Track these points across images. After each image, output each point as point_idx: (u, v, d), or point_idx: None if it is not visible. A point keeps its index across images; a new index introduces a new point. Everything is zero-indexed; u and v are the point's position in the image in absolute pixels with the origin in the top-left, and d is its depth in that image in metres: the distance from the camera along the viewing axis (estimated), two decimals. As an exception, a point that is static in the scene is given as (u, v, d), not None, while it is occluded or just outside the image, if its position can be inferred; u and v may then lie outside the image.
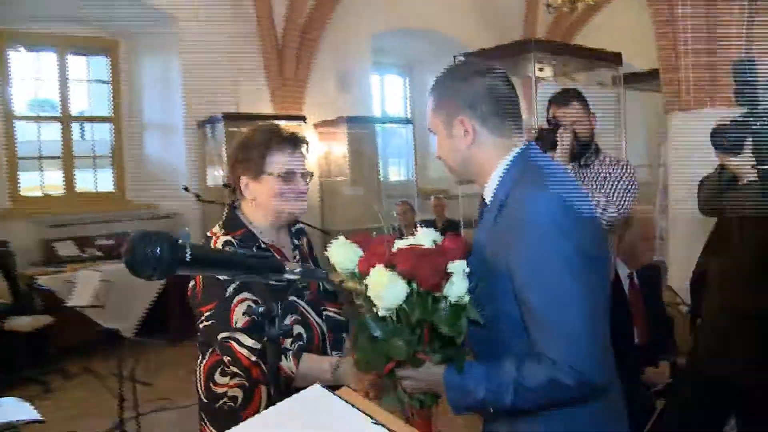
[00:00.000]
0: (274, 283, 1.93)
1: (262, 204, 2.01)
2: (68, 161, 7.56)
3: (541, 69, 4.78)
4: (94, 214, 7.24)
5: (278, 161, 1.97)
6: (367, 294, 1.43)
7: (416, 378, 1.52)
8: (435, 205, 8.34)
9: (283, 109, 8.27)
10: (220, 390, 1.98)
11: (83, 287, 5.41)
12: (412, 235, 1.54)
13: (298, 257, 2.11)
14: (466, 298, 1.44)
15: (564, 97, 3.17)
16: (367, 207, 9.03)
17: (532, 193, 1.46)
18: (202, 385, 2.05)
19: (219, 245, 1.95)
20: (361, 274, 1.48)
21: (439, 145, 1.66)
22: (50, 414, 4.80)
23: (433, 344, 1.48)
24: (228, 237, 1.98)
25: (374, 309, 1.42)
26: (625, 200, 2.99)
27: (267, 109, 8.24)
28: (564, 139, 3.01)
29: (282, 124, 6.83)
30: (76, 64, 7.88)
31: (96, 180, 7.90)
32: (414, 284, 1.42)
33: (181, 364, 5.81)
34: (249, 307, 1.82)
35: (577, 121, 3.10)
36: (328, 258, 1.58)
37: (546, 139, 3.06)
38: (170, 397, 5.03)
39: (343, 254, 1.54)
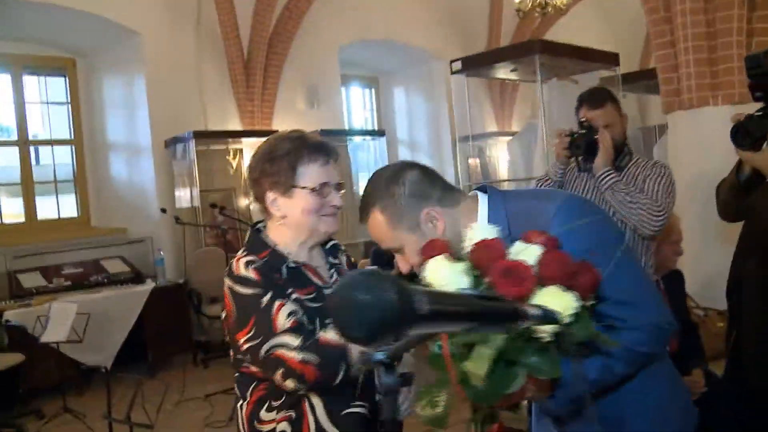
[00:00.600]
0: (309, 304, 1.76)
1: (293, 222, 1.80)
2: (28, 187, 7.12)
3: (534, 71, 4.64)
4: (58, 242, 6.83)
5: (311, 173, 1.77)
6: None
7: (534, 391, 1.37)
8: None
9: (252, 125, 7.99)
10: (267, 428, 1.77)
11: (57, 321, 5.06)
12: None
13: (336, 276, 1.89)
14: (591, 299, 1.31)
15: (597, 99, 2.98)
16: (343, 222, 8.81)
17: (540, 206, 1.48)
18: (245, 427, 1.82)
19: (242, 265, 1.74)
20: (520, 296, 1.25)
21: (411, 254, 1.52)
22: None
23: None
24: (251, 257, 1.77)
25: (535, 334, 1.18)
26: (668, 203, 2.81)
27: (236, 125, 7.95)
28: (606, 141, 2.83)
29: (253, 140, 6.62)
30: (32, 84, 7.46)
31: (59, 206, 7.48)
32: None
33: (166, 395, 5.46)
34: (294, 311, 1.68)
35: (610, 124, 2.92)
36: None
37: (580, 143, 2.89)
38: (160, 434, 4.71)
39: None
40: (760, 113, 2.61)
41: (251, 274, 1.73)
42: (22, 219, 7.15)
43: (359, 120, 10.92)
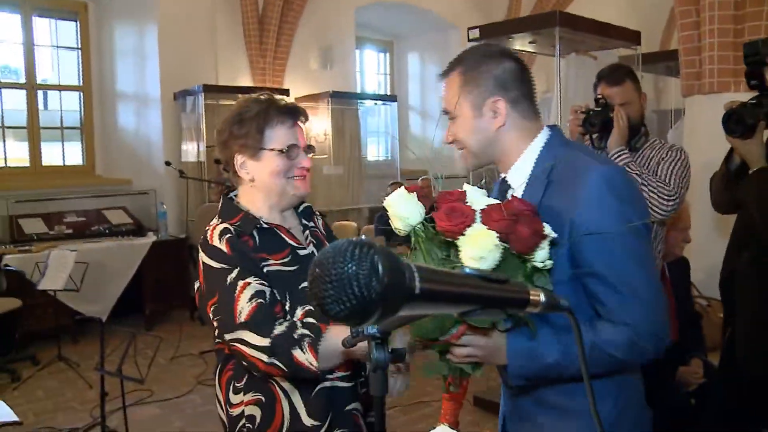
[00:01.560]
0: (283, 269, 1.70)
1: (262, 185, 1.75)
2: (34, 132, 7.06)
3: (552, 45, 4.51)
4: (62, 189, 6.79)
5: (279, 135, 1.72)
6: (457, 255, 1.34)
7: (480, 346, 1.41)
8: (423, 187, 8.02)
9: (263, 82, 7.88)
10: (235, 411, 1.71)
11: (56, 269, 5.04)
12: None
13: (309, 238, 1.83)
14: (549, 264, 1.38)
15: (616, 76, 2.87)
16: (348, 187, 8.75)
17: (589, 164, 1.46)
18: (223, 405, 1.77)
19: (216, 235, 1.68)
20: (444, 233, 1.36)
21: (460, 126, 1.57)
22: (22, 407, 4.48)
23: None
24: (225, 225, 1.71)
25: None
26: (681, 187, 2.73)
27: (247, 81, 7.84)
28: (621, 119, 2.74)
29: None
30: (42, 27, 7.35)
31: (64, 153, 7.42)
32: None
33: (160, 351, 5.45)
34: (258, 292, 1.61)
35: (628, 102, 2.82)
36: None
37: (595, 120, 2.80)
38: (151, 389, 4.71)
39: (409, 208, 1.44)
40: (754, 101, 2.58)
41: (223, 246, 1.66)
42: (27, 164, 7.09)
43: (372, 84, 10.78)
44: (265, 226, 1.73)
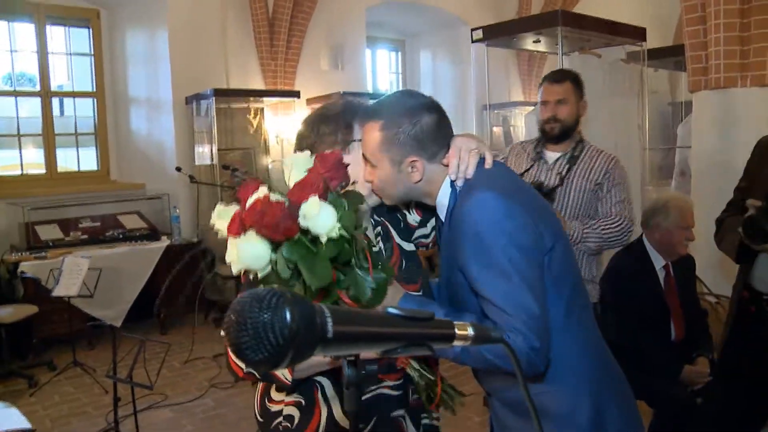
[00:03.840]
0: None
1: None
2: (49, 139, 7.15)
3: (557, 44, 4.49)
4: (77, 195, 6.87)
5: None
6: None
7: None
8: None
9: (274, 84, 7.91)
10: (275, 408, 1.72)
11: (70, 275, 5.11)
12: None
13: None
14: (336, 232, 1.30)
15: (558, 75, 3.18)
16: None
17: (468, 196, 1.56)
18: (258, 402, 1.79)
19: None
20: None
21: (378, 175, 1.63)
22: (39, 412, 4.56)
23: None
24: None
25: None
26: (627, 204, 3.05)
27: (258, 84, 7.88)
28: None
29: (274, 99, 6.53)
30: (56, 35, 7.43)
31: (78, 158, 7.51)
32: None
33: (174, 354, 5.53)
34: None
35: (564, 99, 3.08)
36: None
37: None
38: (165, 393, 4.77)
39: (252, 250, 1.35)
40: None
41: None
42: (43, 170, 7.19)
43: (385, 83, 10.78)
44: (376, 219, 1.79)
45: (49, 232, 6.31)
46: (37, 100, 7.16)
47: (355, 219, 1.34)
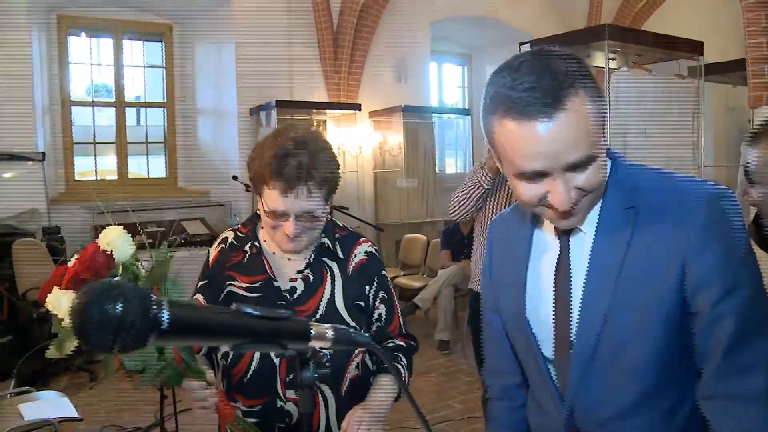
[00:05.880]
0: (244, 293, 1.70)
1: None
2: (122, 147, 7.51)
3: (613, 58, 4.44)
4: (145, 201, 7.18)
5: (270, 197, 1.62)
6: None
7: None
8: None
9: (337, 97, 8.07)
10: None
11: (130, 276, 5.33)
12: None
13: (305, 273, 1.74)
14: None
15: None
16: (422, 200, 8.80)
17: (688, 185, 1.18)
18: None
19: (220, 238, 1.80)
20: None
21: (588, 176, 1.14)
22: (95, 405, 4.78)
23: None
24: (230, 232, 1.82)
25: None
26: None
27: (321, 96, 8.05)
28: None
29: (337, 112, 6.60)
30: (132, 49, 7.83)
31: (148, 166, 7.85)
32: None
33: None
34: None
35: None
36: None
37: None
38: (214, 393, 4.91)
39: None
40: None
41: (213, 253, 1.79)
42: (115, 176, 7.55)
43: (452, 97, 10.82)
44: (256, 247, 1.74)
45: (116, 236, 6.59)
46: (113, 110, 7.54)
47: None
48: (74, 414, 3.46)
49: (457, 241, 6.80)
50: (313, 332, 0.94)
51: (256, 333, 0.85)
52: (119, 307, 0.70)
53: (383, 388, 1.73)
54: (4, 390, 3.76)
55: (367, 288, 1.78)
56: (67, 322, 1.27)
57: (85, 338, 0.70)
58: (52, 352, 1.30)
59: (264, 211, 1.65)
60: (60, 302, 1.27)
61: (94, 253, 1.31)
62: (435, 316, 6.57)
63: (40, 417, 3.16)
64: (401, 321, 1.86)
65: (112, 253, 1.34)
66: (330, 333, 0.94)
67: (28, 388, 3.73)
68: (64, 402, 3.62)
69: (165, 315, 0.74)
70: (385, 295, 1.81)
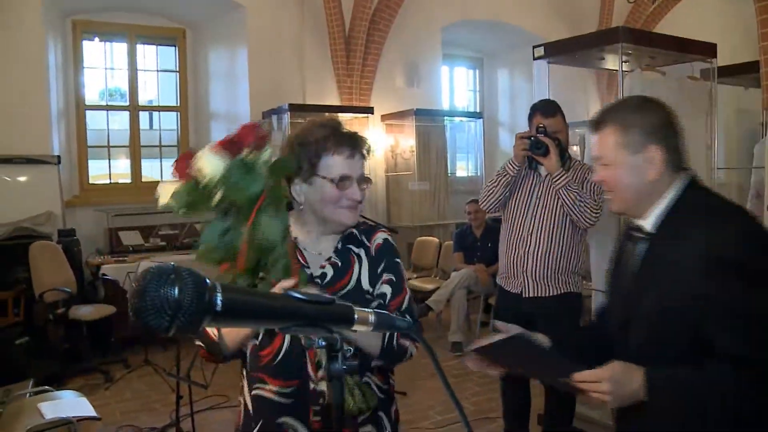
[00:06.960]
0: None
1: (310, 209, 1.78)
2: (135, 150, 7.57)
3: (626, 61, 4.43)
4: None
5: (334, 164, 1.72)
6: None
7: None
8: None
9: (349, 101, 8.10)
10: None
11: (145, 278, 5.38)
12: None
13: (333, 259, 1.81)
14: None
15: (549, 108, 3.47)
16: (434, 203, 8.82)
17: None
18: None
19: None
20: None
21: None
22: (111, 406, 4.82)
23: None
24: None
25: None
26: (602, 202, 3.30)
27: (334, 100, 8.08)
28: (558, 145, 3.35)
29: (349, 116, 6.64)
30: (146, 53, 7.89)
31: (162, 169, 7.91)
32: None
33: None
34: None
35: (558, 131, 3.40)
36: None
37: (541, 145, 3.32)
38: (226, 395, 4.93)
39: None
40: None
41: None
42: (129, 179, 7.61)
43: (463, 100, 10.84)
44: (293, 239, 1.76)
45: (130, 238, 6.66)
46: (126, 114, 7.60)
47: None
48: (93, 413, 3.50)
49: (469, 244, 6.81)
50: (356, 317, 0.97)
51: (303, 316, 0.89)
52: (176, 290, 0.75)
53: None
54: (23, 389, 3.80)
55: (379, 269, 1.84)
56: (209, 179, 1.50)
57: (144, 319, 0.74)
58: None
59: (328, 182, 1.72)
60: (212, 164, 1.51)
61: (255, 126, 1.58)
62: (448, 318, 6.58)
63: (59, 415, 3.19)
64: (406, 304, 1.83)
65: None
66: (372, 317, 0.98)
67: (47, 387, 3.77)
68: (82, 401, 3.66)
69: (219, 298, 0.78)
70: (393, 278, 1.83)
